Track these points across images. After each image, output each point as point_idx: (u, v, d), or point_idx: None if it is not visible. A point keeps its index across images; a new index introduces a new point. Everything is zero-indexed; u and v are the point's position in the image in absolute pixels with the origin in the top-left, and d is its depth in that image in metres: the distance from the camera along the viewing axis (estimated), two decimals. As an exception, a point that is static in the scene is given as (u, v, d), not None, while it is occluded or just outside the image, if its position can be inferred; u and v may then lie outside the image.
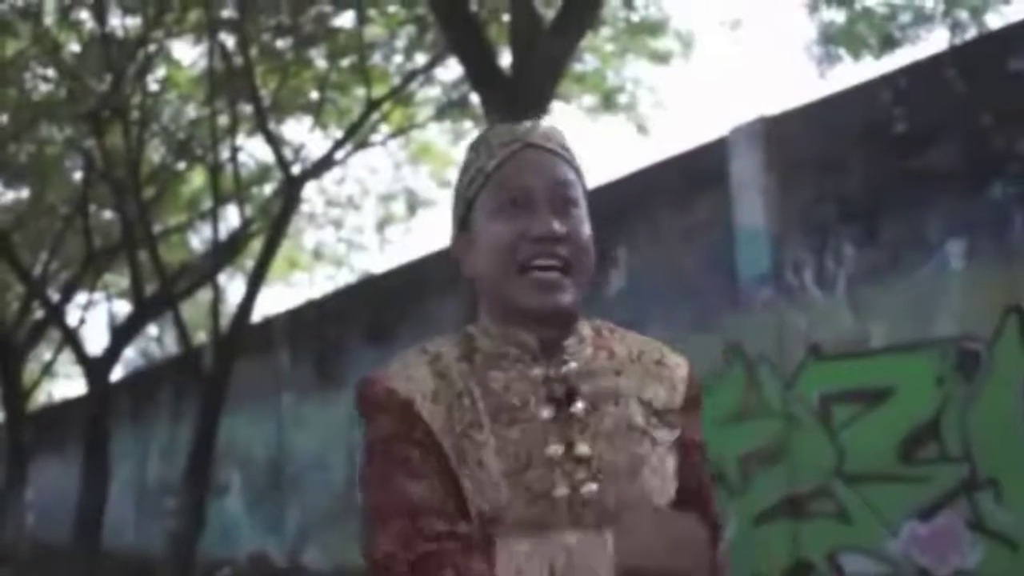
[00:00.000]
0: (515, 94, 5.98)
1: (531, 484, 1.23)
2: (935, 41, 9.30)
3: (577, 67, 10.25)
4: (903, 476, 4.38)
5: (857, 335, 4.63)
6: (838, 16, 9.49)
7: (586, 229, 1.31)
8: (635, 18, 10.51)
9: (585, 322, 1.35)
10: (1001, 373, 4.10)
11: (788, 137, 5.10)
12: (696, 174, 5.51)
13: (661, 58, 11.03)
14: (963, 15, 9.03)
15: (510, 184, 1.29)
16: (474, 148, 1.35)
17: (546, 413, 1.26)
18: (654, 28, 10.67)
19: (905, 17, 9.25)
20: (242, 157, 11.50)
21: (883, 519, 4.44)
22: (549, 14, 7.01)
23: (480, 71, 6.18)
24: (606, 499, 1.24)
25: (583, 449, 1.25)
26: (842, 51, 9.53)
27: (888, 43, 9.18)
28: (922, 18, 9.19)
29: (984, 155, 4.28)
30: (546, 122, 1.40)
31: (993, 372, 4.13)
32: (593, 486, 1.24)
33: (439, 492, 1.22)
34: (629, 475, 1.26)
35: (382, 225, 15.87)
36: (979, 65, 4.45)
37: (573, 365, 1.29)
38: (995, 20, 8.77)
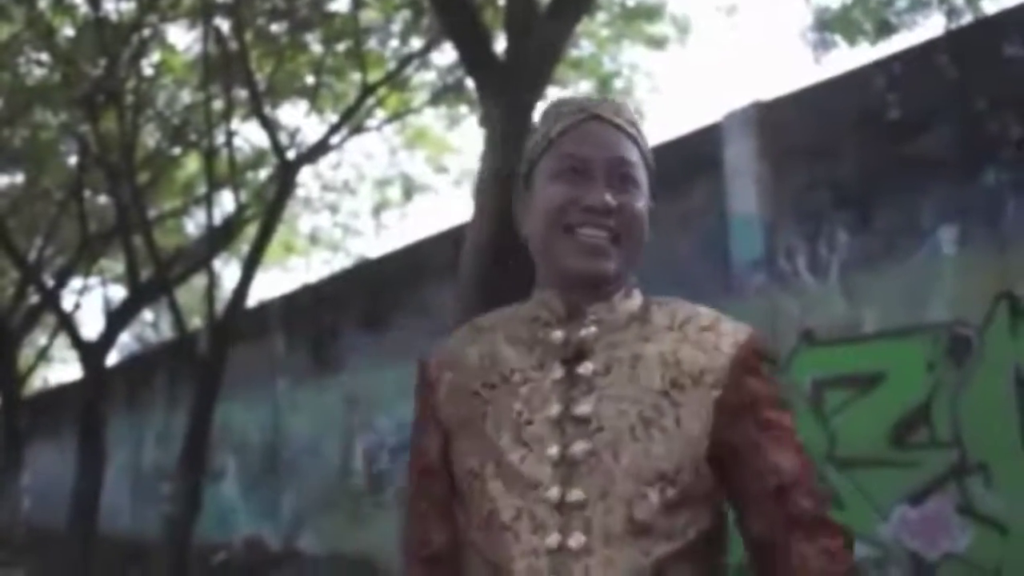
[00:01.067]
0: (510, 79, 5.96)
1: (528, 440, 1.25)
2: (931, 27, 9.29)
3: (573, 52, 10.23)
4: (894, 461, 4.40)
5: (850, 321, 4.65)
6: (833, 2, 9.48)
7: (641, 203, 1.30)
8: (631, 3, 10.49)
9: (635, 297, 1.33)
10: (992, 358, 4.12)
11: (781, 123, 5.10)
12: (691, 159, 5.51)
13: (657, 43, 11.02)
14: (958, 1, 9.02)
15: (570, 152, 1.30)
16: (543, 114, 1.38)
17: (557, 374, 1.27)
18: (650, 13, 10.65)
19: (901, 3, 9.24)
20: (237, 142, 11.49)
21: (874, 503, 4.46)
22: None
23: (475, 56, 6.16)
24: (601, 459, 1.22)
25: (582, 409, 1.24)
26: (837, 37, 9.52)
27: (884, 29, 9.17)
28: (918, 4, 9.18)
29: (977, 141, 4.29)
30: (617, 97, 1.44)
31: (984, 357, 4.15)
32: (586, 445, 1.22)
33: (426, 505, 1.36)
34: (631, 436, 1.22)
35: (378, 210, 15.86)
36: (973, 51, 4.45)
37: (593, 329, 1.28)
38: (991, 6, 8.76)
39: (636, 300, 1.33)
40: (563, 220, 1.27)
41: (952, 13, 8.92)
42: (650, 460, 1.21)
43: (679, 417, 1.23)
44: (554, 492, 1.21)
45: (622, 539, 1.18)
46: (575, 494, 1.20)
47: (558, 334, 1.29)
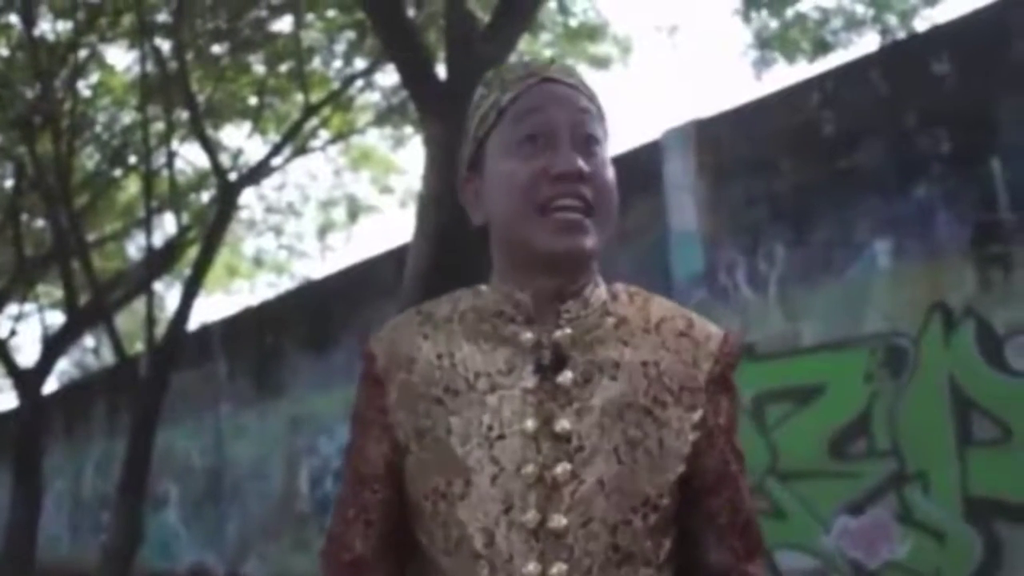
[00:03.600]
0: (452, 99, 5.96)
1: (499, 458, 1.12)
2: (866, 45, 9.51)
3: (517, 72, 10.25)
4: (834, 472, 4.45)
5: (788, 334, 4.70)
6: (772, 22, 9.65)
7: (610, 171, 1.17)
8: (574, 23, 10.58)
9: (600, 285, 1.22)
10: (927, 368, 4.19)
11: (719, 140, 5.16)
12: (631, 176, 5.54)
13: (600, 63, 11.12)
14: (892, 20, 9.24)
15: (528, 118, 1.16)
16: (485, 84, 1.22)
17: (530, 382, 1.14)
18: (593, 33, 10.75)
19: (837, 22, 9.44)
20: (179, 163, 11.33)
21: (815, 514, 4.50)
22: (487, 19, 7.01)
23: (416, 76, 6.14)
24: (583, 482, 1.11)
25: (563, 425, 1.12)
26: (777, 55, 9.70)
27: (821, 47, 9.36)
28: (853, 23, 9.38)
29: (909, 156, 4.37)
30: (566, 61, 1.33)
31: (920, 367, 4.22)
32: (567, 466, 1.11)
33: (368, 502, 1.22)
34: (614, 458, 1.12)
35: (323, 231, 15.76)
36: (903, 68, 4.54)
37: (568, 331, 1.16)
38: (923, 25, 8.99)
39: (601, 288, 1.22)
40: (534, 198, 1.12)
41: (886, 32, 9.14)
42: (635, 485, 1.12)
43: (662, 439, 1.15)
44: (531, 516, 1.10)
45: (604, 568, 1.10)
46: (556, 520, 1.09)
47: (528, 335, 1.16)
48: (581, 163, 1.13)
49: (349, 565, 1.23)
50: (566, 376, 1.14)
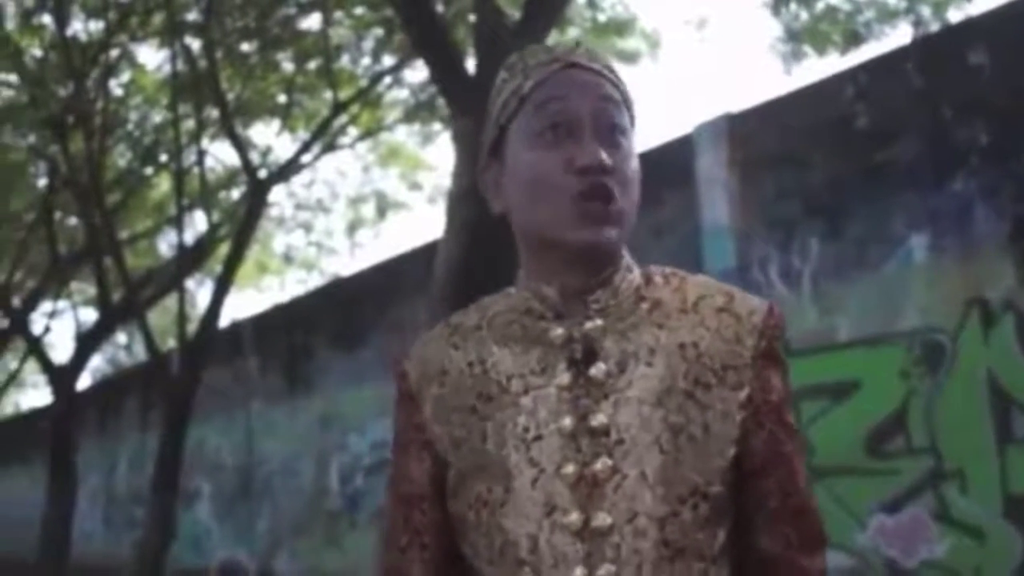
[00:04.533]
0: (482, 95, 5.94)
1: (538, 459, 1.08)
2: (899, 37, 9.39)
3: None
4: (870, 469, 4.40)
5: (823, 330, 4.65)
6: (802, 14, 9.55)
7: (634, 163, 1.14)
8: (602, 18, 10.53)
9: (633, 270, 1.18)
10: (965, 364, 4.12)
11: (752, 134, 5.11)
12: (663, 171, 5.51)
13: (629, 58, 11.06)
14: (925, 11, 9.11)
15: (550, 106, 1.12)
16: (508, 69, 1.19)
17: (564, 379, 1.10)
18: (621, 28, 10.69)
19: (869, 13, 9.33)
20: (209, 161, 11.42)
21: (851, 512, 4.45)
22: (516, 15, 6.99)
23: (446, 72, 6.14)
24: (626, 476, 1.07)
25: (599, 419, 1.08)
26: (807, 48, 9.59)
27: (853, 40, 9.24)
28: (885, 14, 9.26)
29: (945, 148, 4.31)
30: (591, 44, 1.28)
31: (957, 363, 4.15)
32: (607, 461, 1.07)
33: (410, 518, 1.18)
34: (656, 448, 1.07)
35: (352, 228, 15.81)
36: (939, 59, 4.48)
37: (598, 322, 1.12)
38: (957, 16, 8.86)
39: (635, 273, 1.17)
40: (556, 190, 1.10)
41: (919, 23, 9.02)
42: (681, 474, 1.07)
43: (707, 423, 1.09)
44: (574, 517, 1.06)
45: (656, 565, 1.05)
46: (600, 518, 1.05)
47: (558, 331, 1.12)
48: (604, 156, 1.09)
49: None
50: (599, 368, 1.10)
